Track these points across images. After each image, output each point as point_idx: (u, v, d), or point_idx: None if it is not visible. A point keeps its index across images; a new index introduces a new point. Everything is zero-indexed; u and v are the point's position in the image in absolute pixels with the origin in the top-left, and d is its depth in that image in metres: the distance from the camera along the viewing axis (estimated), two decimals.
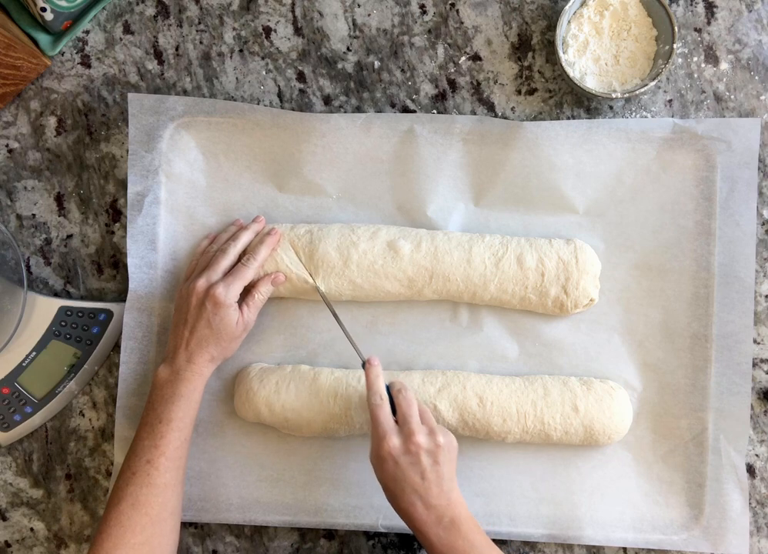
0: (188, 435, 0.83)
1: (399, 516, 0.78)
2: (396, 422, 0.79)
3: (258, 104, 0.93)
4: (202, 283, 0.84)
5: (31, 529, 0.94)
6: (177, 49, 0.93)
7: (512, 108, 0.92)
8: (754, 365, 0.90)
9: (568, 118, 0.92)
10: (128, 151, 0.90)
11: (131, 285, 0.89)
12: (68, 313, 0.91)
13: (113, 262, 0.94)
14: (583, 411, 0.85)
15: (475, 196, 0.90)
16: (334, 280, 0.86)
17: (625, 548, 0.91)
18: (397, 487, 0.76)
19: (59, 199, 0.94)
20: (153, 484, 0.79)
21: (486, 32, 0.92)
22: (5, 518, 0.94)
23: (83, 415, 0.94)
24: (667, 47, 0.86)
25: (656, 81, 0.85)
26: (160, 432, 0.80)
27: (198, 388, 0.83)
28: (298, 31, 0.93)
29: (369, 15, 0.92)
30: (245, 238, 0.87)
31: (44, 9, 0.86)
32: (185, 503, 0.89)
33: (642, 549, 0.90)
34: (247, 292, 0.86)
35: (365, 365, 0.82)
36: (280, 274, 0.87)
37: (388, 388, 0.81)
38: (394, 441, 0.76)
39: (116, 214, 0.94)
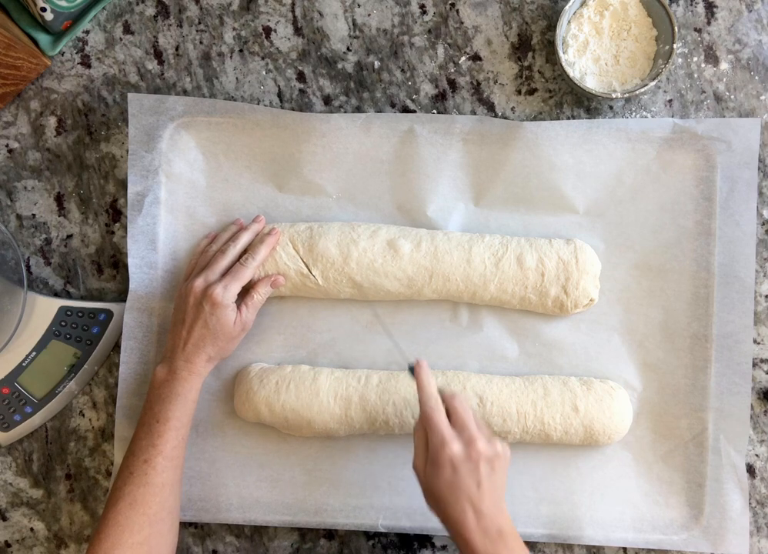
0: (185, 435, 0.83)
1: (443, 523, 0.75)
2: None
3: (258, 104, 0.93)
4: (199, 283, 0.84)
5: (31, 529, 0.94)
6: (177, 49, 0.93)
7: (512, 108, 0.92)
8: (754, 365, 0.90)
9: (568, 118, 0.92)
10: (128, 151, 0.90)
11: (131, 285, 0.89)
12: (68, 313, 0.91)
13: (113, 262, 0.94)
14: (583, 411, 0.85)
15: (475, 196, 0.90)
16: (333, 275, 0.86)
17: (625, 549, 0.91)
18: (450, 494, 0.73)
19: (59, 199, 0.94)
20: (151, 483, 0.79)
21: (486, 32, 0.92)
22: (5, 519, 0.94)
23: (83, 415, 0.94)
24: (667, 47, 0.86)
25: (656, 81, 0.85)
26: (157, 431, 0.80)
27: (196, 388, 0.83)
28: (298, 31, 0.93)
29: (369, 15, 0.92)
30: (244, 239, 0.87)
31: (44, 9, 0.86)
32: (185, 503, 0.89)
33: (642, 549, 0.90)
34: (246, 292, 0.86)
35: (412, 368, 0.79)
36: (280, 277, 0.87)
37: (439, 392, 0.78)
38: (456, 447, 0.73)
39: (116, 214, 0.94)
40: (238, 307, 0.85)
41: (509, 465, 0.77)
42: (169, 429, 0.81)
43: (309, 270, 0.87)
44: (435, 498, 0.75)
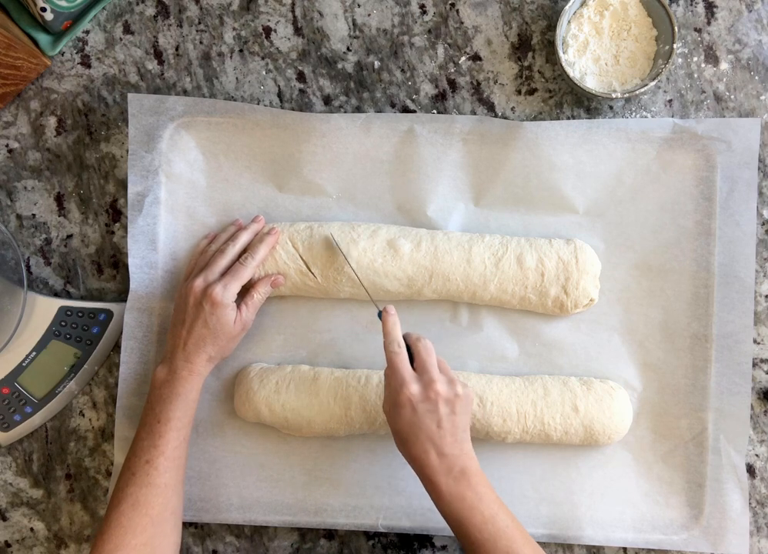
0: (186, 435, 0.83)
1: (409, 463, 0.77)
2: (414, 370, 0.78)
3: (258, 104, 0.93)
4: (199, 283, 0.84)
5: (31, 529, 0.94)
6: (177, 49, 0.93)
7: (512, 108, 0.92)
8: (754, 365, 0.90)
9: (568, 118, 0.92)
10: (128, 151, 0.90)
11: (131, 285, 0.89)
12: (68, 313, 0.91)
13: (113, 262, 0.94)
14: (583, 411, 0.85)
15: (475, 196, 0.90)
16: (333, 274, 0.86)
17: (625, 549, 0.91)
18: (411, 434, 0.75)
19: (59, 199, 0.94)
20: (153, 484, 0.79)
21: (486, 32, 0.92)
22: (5, 519, 0.94)
23: (83, 415, 0.94)
24: (667, 47, 0.86)
25: (656, 81, 0.85)
26: (158, 431, 0.80)
27: (196, 388, 0.83)
28: (298, 31, 0.93)
29: (369, 15, 0.92)
30: (244, 238, 0.87)
31: (44, 9, 0.86)
32: (185, 503, 0.89)
33: (642, 549, 0.90)
34: (246, 291, 0.86)
35: (380, 314, 0.81)
36: (280, 276, 0.87)
37: (404, 337, 0.80)
38: (414, 388, 0.76)
39: (116, 214, 0.94)
40: (238, 306, 0.85)
41: (471, 407, 0.79)
42: (170, 429, 0.81)
43: (309, 269, 0.87)
44: (400, 439, 0.77)
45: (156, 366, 0.85)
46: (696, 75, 0.91)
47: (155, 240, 0.90)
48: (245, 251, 0.87)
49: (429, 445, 0.75)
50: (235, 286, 0.84)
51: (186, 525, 0.92)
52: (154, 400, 0.82)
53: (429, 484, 0.75)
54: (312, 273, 0.87)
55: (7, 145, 0.94)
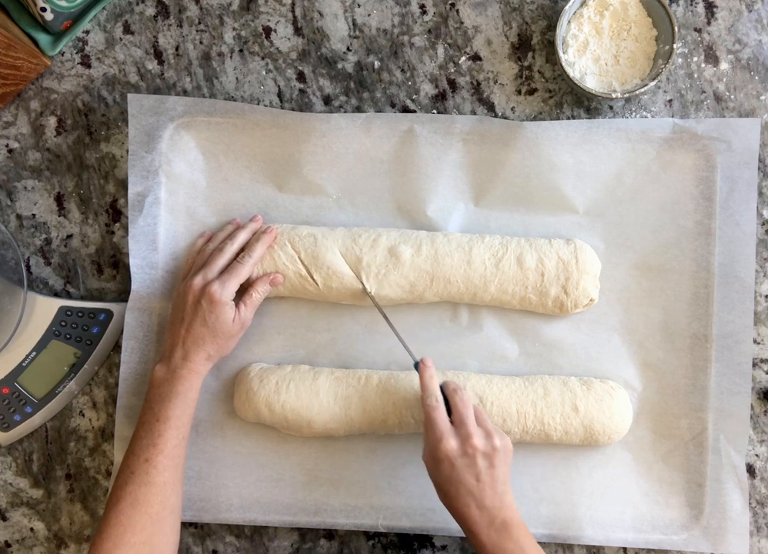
0: (186, 434, 0.83)
1: (452, 516, 0.78)
2: (452, 422, 0.78)
3: (258, 104, 0.93)
4: (198, 281, 0.84)
5: (31, 529, 0.94)
6: (177, 49, 0.93)
7: (512, 108, 0.92)
8: (754, 365, 0.91)
9: (568, 118, 0.92)
10: (128, 151, 0.90)
11: (132, 285, 0.89)
12: (68, 313, 0.91)
13: (113, 262, 0.94)
14: (583, 411, 0.85)
15: (475, 196, 0.90)
16: (336, 285, 0.87)
17: (625, 549, 0.91)
18: (452, 488, 0.76)
19: (59, 199, 0.94)
20: (152, 482, 0.79)
21: (486, 32, 0.92)
22: (5, 519, 0.94)
23: (83, 415, 0.94)
24: (667, 47, 0.86)
25: (656, 81, 0.85)
26: (158, 430, 0.80)
27: (195, 386, 0.83)
28: (298, 31, 0.93)
29: (369, 15, 0.92)
30: (242, 237, 0.87)
31: (44, 9, 0.86)
32: (185, 503, 0.89)
33: (642, 549, 0.90)
34: (245, 290, 0.86)
35: (417, 365, 0.82)
36: (279, 275, 0.87)
37: (441, 388, 0.81)
38: (451, 443, 0.76)
39: (116, 214, 0.94)
40: (237, 305, 0.85)
41: (510, 458, 0.79)
42: (170, 428, 0.81)
43: (311, 275, 0.87)
44: (441, 492, 0.78)
45: (155, 365, 0.85)
46: (696, 75, 0.91)
47: (156, 240, 0.90)
48: (243, 250, 0.87)
49: (470, 498, 0.76)
50: (233, 284, 0.84)
51: (186, 525, 0.92)
52: (153, 399, 0.82)
53: (471, 535, 0.76)
54: (314, 279, 0.87)
55: (7, 145, 0.94)
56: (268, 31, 0.93)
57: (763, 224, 0.91)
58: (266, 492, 0.90)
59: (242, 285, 0.85)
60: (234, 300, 0.84)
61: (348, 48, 0.92)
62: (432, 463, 0.78)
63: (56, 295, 0.94)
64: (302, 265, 0.87)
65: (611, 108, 0.92)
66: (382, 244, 0.87)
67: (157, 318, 0.90)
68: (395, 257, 0.86)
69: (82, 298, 0.93)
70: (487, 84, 0.92)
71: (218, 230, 0.90)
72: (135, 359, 0.90)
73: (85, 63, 0.93)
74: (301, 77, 0.93)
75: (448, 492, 0.77)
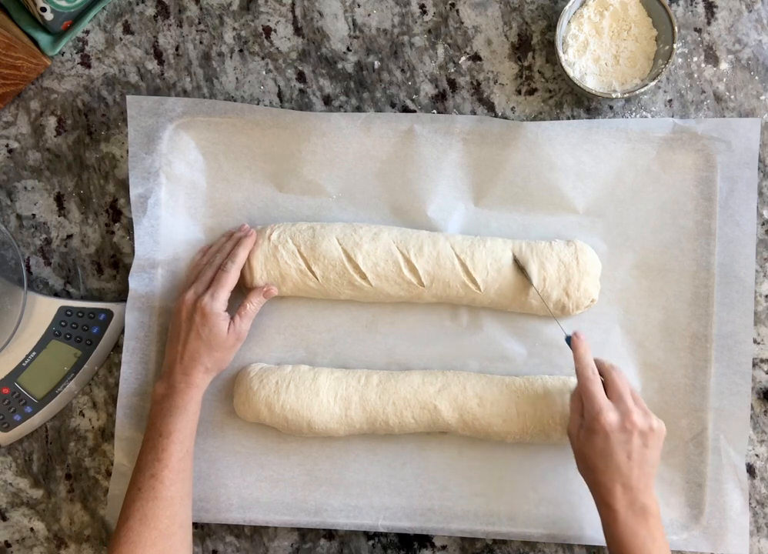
0: (190, 447, 0.83)
1: (590, 488, 0.79)
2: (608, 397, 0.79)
3: (258, 104, 0.93)
4: (190, 296, 0.85)
5: (31, 529, 0.94)
6: (177, 49, 0.93)
7: (512, 108, 0.92)
8: (754, 365, 0.91)
9: (568, 118, 0.92)
10: (128, 151, 0.90)
11: (132, 285, 0.89)
12: (68, 313, 0.91)
13: (113, 262, 0.94)
14: None
15: (475, 196, 0.90)
16: (334, 277, 0.86)
17: None
18: (600, 462, 0.77)
19: (59, 199, 0.94)
20: (159, 497, 0.79)
21: (486, 32, 0.92)
22: (5, 518, 0.94)
23: (83, 415, 0.94)
24: (667, 47, 0.86)
25: (656, 81, 0.85)
26: (161, 445, 0.81)
27: (195, 400, 0.84)
28: (298, 31, 0.93)
29: (369, 15, 0.92)
30: (228, 247, 0.88)
31: (44, 9, 0.86)
32: None
33: None
34: (240, 303, 0.87)
35: (568, 340, 0.82)
36: (273, 288, 0.87)
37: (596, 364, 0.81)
38: (611, 416, 0.76)
39: (116, 214, 0.94)
40: (232, 317, 0.85)
41: (662, 444, 0.79)
42: (173, 442, 0.81)
43: (309, 268, 0.87)
44: (586, 464, 0.78)
45: (155, 382, 0.86)
46: (696, 75, 0.91)
47: (157, 241, 0.90)
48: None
49: (617, 474, 0.76)
50: (222, 294, 0.84)
51: None
52: (155, 415, 0.83)
53: (607, 509, 0.77)
54: (313, 273, 0.87)
55: (7, 145, 0.94)
56: (268, 31, 0.93)
57: (763, 224, 0.91)
58: (266, 492, 0.90)
59: (241, 294, 0.86)
60: (229, 312, 0.85)
61: (348, 48, 0.92)
62: (585, 434, 0.78)
63: (56, 295, 0.94)
64: (301, 260, 0.87)
65: (611, 108, 0.92)
66: (383, 239, 0.87)
67: (157, 318, 0.90)
68: (395, 253, 0.86)
69: (82, 298, 0.93)
70: (487, 84, 0.92)
71: (213, 244, 0.90)
72: (136, 359, 0.90)
73: (85, 63, 0.93)
74: (301, 77, 0.93)
75: (596, 466, 0.77)
